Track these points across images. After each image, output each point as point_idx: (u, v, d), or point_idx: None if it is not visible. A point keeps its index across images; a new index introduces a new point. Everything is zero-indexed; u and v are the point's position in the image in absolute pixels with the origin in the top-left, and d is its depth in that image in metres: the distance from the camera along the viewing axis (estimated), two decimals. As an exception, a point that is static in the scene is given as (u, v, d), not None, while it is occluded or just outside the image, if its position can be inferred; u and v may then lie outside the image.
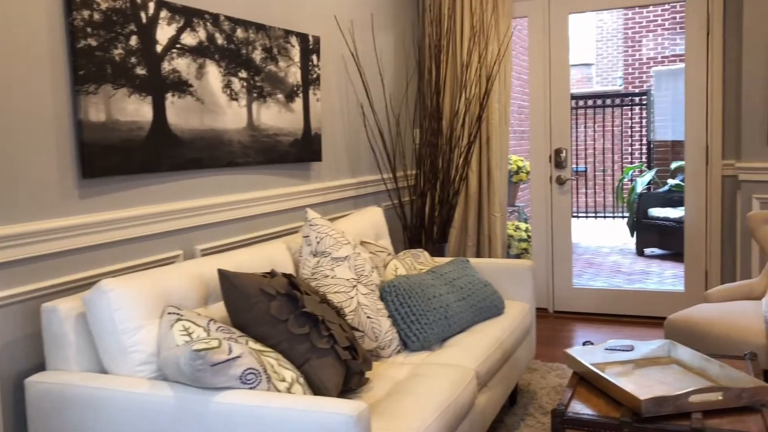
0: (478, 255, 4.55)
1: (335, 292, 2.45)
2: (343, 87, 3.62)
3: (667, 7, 9.71)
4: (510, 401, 3.19)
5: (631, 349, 2.25)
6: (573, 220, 9.37)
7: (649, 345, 2.27)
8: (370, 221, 3.21)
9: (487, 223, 4.52)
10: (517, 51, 7.87)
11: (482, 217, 4.53)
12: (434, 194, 3.96)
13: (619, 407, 1.89)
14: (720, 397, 1.81)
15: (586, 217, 9.67)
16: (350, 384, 2.11)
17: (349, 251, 2.61)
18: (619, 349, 2.24)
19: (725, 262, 4.22)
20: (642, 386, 2.01)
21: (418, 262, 3.14)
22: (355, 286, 2.53)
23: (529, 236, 5.59)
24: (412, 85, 4.36)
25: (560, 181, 4.69)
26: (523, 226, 5.79)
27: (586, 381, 2.10)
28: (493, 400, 2.61)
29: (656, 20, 9.94)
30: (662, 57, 9.90)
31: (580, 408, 1.91)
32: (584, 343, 2.37)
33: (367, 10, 3.86)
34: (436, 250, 3.89)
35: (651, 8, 9.87)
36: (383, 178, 3.94)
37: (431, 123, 4.00)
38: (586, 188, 9.57)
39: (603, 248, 7.73)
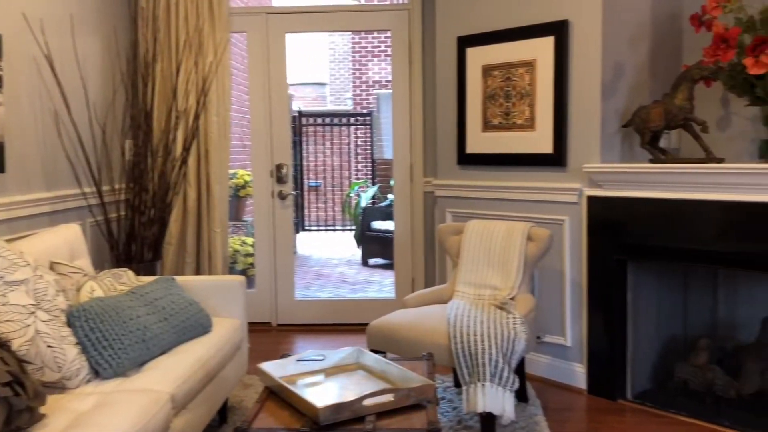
0: (198, 272, 4.43)
1: (6, 321, 2.18)
2: (36, 92, 3.29)
3: (389, 34, 10.48)
4: (220, 419, 3.13)
5: (323, 358, 2.34)
6: (307, 233, 9.70)
7: (339, 353, 2.39)
8: (64, 240, 2.95)
9: (207, 239, 4.42)
10: (245, 66, 7.87)
11: (202, 232, 4.42)
12: (145, 210, 3.76)
13: (302, 417, 1.94)
14: (392, 398, 1.96)
15: (318, 230, 10.00)
16: (17, 423, 1.89)
17: (28, 274, 2.35)
18: (310, 360, 2.32)
19: (428, 270, 4.64)
20: (325, 395, 2.10)
21: (120, 282, 2.94)
22: (33, 312, 2.28)
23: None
24: (120, 94, 4.12)
25: (282, 196, 4.77)
26: (249, 240, 5.78)
27: (276, 394, 2.14)
28: (194, 422, 2.54)
29: (380, 46, 10.68)
30: (386, 81, 10.66)
31: (265, 422, 1.93)
32: (282, 356, 2.41)
33: (66, 11, 3.56)
34: (147, 269, 3.70)
35: (375, 34, 10.58)
36: (84, 192, 3.65)
37: (142, 135, 3.81)
38: (317, 202, 9.90)
39: (333, 260, 8.05)
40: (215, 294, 3.18)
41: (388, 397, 1.95)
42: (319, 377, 2.28)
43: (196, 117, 4.06)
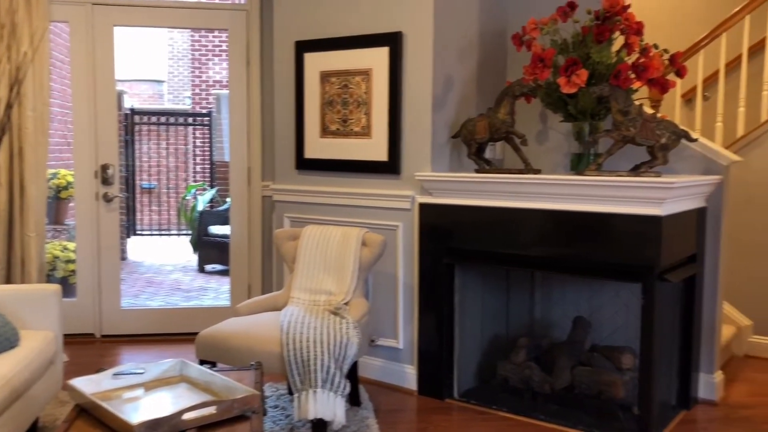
0: (9, 280, 4.03)
1: None
2: None
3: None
4: (29, 443, 2.87)
5: (142, 371, 2.21)
6: (139, 238, 9.21)
7: (160, 366, 2.27)
8: None
9: (20, 245, 4.04)
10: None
11: (14, 237, 4.04)
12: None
13: (117, 436, 1.82)
14: (214, 411, 1.89)
15: (152, 234, 9.54)
16: None
17: None
18: (129, 374, 2.18)
19: (266, 277, 4.57)
20: (143, 410, 1.98)
21: None
22: None
23: (78, 257, 5.20)
24: None
25: (108, 199, 4.48)
26: (72, 246, 5.37)
27: (89, 412, 1.99)
28: (-6, 447, 2.30)
29: (221, 45, 10.40)
30: (226, 81, 10.40)
31: (73, 444, 1.78)
32: (98, 371, 2.25)
33: None
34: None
35: (216, 33, 10.29)
36: None
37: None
38: (151, 205, 9.44)
39: (166, 266, 7.70)
40: (26, 305, 2.92)
41: (210, 410, 1.88)
42: (138, 392, 2.15)
43: (8, 108, 3.70)
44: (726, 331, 4.07)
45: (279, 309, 3.36)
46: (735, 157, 3.42)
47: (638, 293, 2.98)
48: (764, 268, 4.19)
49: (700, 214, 3.33)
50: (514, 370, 3.45)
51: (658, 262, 2.86)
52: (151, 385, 2.20)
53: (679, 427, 3.18)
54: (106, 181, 4.48)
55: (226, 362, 2.98)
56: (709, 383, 3.48)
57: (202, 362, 3.01)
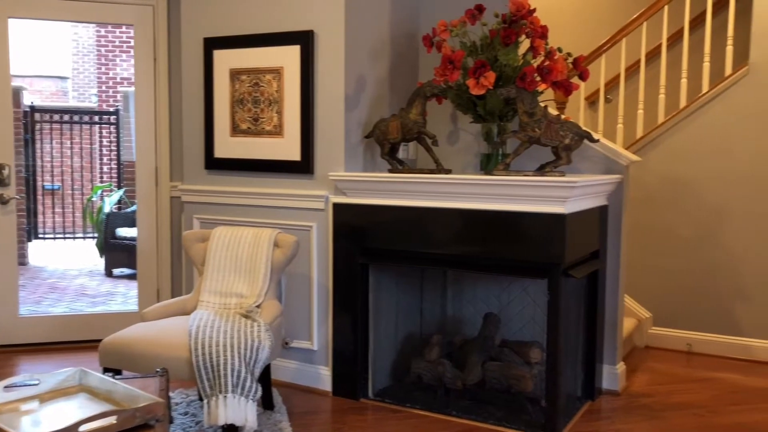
0: None
1: None
2: None
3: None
4: None
5: (37, 383, 2.09)
6: (41, 241, 8.74)
7: (57, 376, 2.16)
8: None
9: None
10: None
11: None
12: None
13: (6, 452, 1.72)
14: (114, 421, 1.81)
15: (55, 238, 9.10)
16: None
17: None
18: (22, 386, 2.06)
19: (175, 280, 4.43)
20: (36, 424, 1.88)
21: None
22: None
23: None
24: None
25: (3, 201, 4.23)
26: (-36, 251, 5.03)
27: (-24, 428, 1.86)
28: None
29: (129, 41, 10.03)
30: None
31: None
32: (-12, 384, 2.11)
33: None
34: None
35: (124, 29, 9.92)
36: None
37: None
38: (54, 207, 9.01)
39: (71, 271, 7.36)
40: None
41: (110, 420, 1.80)
42: (33, 404, 2.03)
43: None
44: (628, 324, 4.26)
45: (188, 313, 3.27)
46: (634, 157, 3.59)
47: (545, 289, 3.08)
48: (663, 262, 4.42)
49: (602, 212, 3.47)
50: (428, 368, 3.49)
51: (563, 259, 2.95)
52: (47, 397, 2.08)
53: (584, 418, 3.31)
54: (1, 182, 4.23)
55: (132, 370, 2.87)
56: (612, 374, 3.63)
57: (106, 370, 2.89)
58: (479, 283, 3.78)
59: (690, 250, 4.34)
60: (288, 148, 3.64)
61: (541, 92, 3.29)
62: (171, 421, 2.96)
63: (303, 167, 3.60)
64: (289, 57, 3.59)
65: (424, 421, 3.25)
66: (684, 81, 4.39)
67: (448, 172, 3.44)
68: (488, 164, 3.39)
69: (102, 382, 2.10)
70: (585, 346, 3.49)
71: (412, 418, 3.28)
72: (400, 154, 3.72)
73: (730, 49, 4.26)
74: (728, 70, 4.25)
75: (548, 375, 3.06)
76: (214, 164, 3.89)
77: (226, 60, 3.78)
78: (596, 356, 3.51)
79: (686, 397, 3.58)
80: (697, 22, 4.73)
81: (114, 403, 2.02)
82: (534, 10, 3.26)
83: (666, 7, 4.41)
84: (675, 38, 4.86)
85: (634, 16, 4.54)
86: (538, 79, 3.19)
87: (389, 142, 3.48)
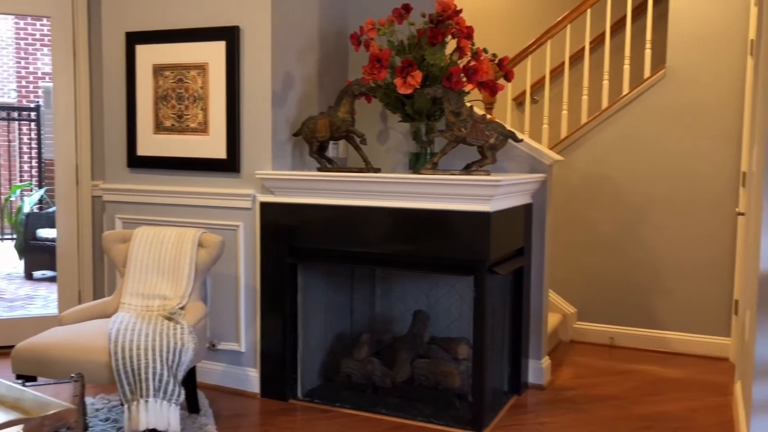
0: None
1: None
2: None
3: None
4: None
5: (-63, 393, 1.98)
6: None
7: (-40, 385, 2.04)
8: None
9: None
10: None
11: None
12: None
13: None
14: (21, 430, 1.73)
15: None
16: None
17: None
18: None
19: (97, 283, 4.28)
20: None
21: None
22: None
23: None
24: None
25: None
26: None
27: None
28: None
29: (50, 34, 9.64)
30: (58, 73, 9.66)
31: None
32: None
33: None
34: None
35: (45, 21, 9.52)
36: None
37: None
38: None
39: (-12, 274, 7.02)
40: None
41: (17, 429, 1.72)
42: (-67, 416, 1.92)
43: None
44: (553, 319, 4.37)
45: (109, 316, 3.17)
46: (557, 157, 3.68)
47: (472, 286, 3.12)
48: (586, 259, 4.55)
49: (526, 210, 3.54)
50: (357, 367, 3.48)
51: (488, 256, 3.00)
52: (-52, 407, 1.97)
53: (510, 412, 3.37)
54: None
55: (48, 376, 2.76)
56: (538, 368, 3.72)
57: (19, 377, 2.77)
58: (408, 280, 3.80)
59: (612, 247, 4.48)
60: (213, 146, 3.57)
61: (468, 92, 3.33)
62: (86, 428, 2.86)
63: (229, 165, 3.54)
64: (214, 53, 3.51)
65: (353, 420, 3.24)
66: (606, 83, 4.53)
67: (377, 170, 3.44)
68: (417, 163, 3.41)
69: (9, 390, 2.00)
70: (511, 341, 3.56)
71: (342, 418, 3.27)
72: (330, 153, 3.70)
73: (648, 53, 4.43)
74: (647, 72, 4.41)
75: (474, 370, 3.10)
76: (137, 162, 3.77)
77: (149, 55, 3.68)
78: (522, 351, 3.58)
79: (608, 389, 3.70)
80: (619, 26, 4.89)
81: (22, 411, 1.92)
82: (460, 11, 3.30)
83: (588, 11, 4.54)
84: (597, 41, 5.01)
85: (558, 19, 4.66)
86: (464, 79, 3.22)
87: (318, 140, 3.45)
